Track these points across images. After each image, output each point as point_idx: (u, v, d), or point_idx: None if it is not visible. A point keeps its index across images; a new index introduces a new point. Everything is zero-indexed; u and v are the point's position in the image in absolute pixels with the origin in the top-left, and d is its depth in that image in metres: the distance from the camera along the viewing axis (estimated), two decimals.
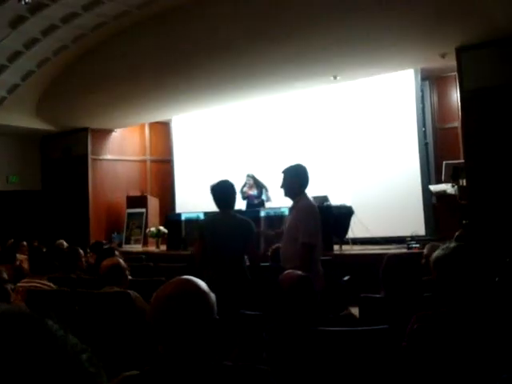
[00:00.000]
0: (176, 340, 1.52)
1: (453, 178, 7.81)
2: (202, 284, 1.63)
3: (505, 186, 6.53)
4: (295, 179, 4.33)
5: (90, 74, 8.15)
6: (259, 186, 9.78)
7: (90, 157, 11.62)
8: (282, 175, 4.35)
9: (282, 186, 4.32)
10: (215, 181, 4.42)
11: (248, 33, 6.66)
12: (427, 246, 4.38)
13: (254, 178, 9.83)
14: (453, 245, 2.15)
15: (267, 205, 9.61)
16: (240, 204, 9.18)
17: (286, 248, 4.19)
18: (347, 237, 8.32)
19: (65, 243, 7.30)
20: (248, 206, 9.78)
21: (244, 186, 9.80)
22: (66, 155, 11.72)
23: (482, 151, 6.82)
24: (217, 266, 4.10)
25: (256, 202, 9.70)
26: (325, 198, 8.59)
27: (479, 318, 2.04)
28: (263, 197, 9.71)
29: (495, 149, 6.68)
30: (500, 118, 6.64)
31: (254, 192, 9.80)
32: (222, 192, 4.29)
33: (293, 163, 4.53)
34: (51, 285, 4.23)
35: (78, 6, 6.82)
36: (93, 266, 5.23)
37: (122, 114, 10.70)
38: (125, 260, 4.26)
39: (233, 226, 4.17)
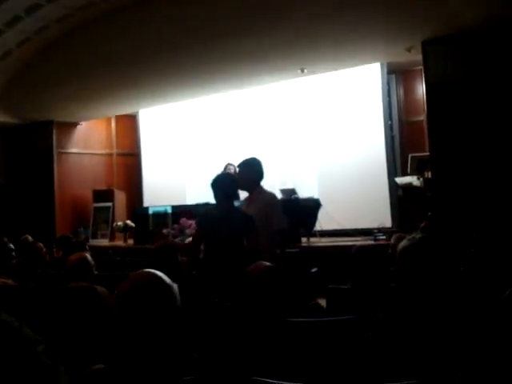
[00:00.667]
0: (142, 332, 1.52)
1: (418, 171, 7.93)
2: (164, 276, 1.64)
3: (469, 178, 6.65)
4: (252, 172, 4.45)
5: (55, 67, 8.01)
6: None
7: (55, 150, 11.43)
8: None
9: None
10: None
11: (214, 27, 6.63)
12: (394, 237, 4.45)
13: (235, 168, 9.33)
14: (418, 235, 2.19)
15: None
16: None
17: None
18: (315, 229, 8.38)
19: (30, 238, 7.19)
20: None
21: None
22: (31, 148, 11.51)
23: (447, 144, 6.93)
24: (216, 260, 4.09)
25: None
26: (292, 191, 8.63)
27: (443, 308, 2.08)
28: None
29: (460, 142, 6.79)
30: (465, 111, 6.74)
31: None
32: (227, 183, 4.30)
33: (252, 156, 4.61)
34: (5, 280, 4.08)
35: None
36: (59, 261, 5.16)
37: (88, 107, 10.55)
38: (92, 255, 4.22)
39: (235, 220, 4.17)
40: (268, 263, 2.93)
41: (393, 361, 2.10)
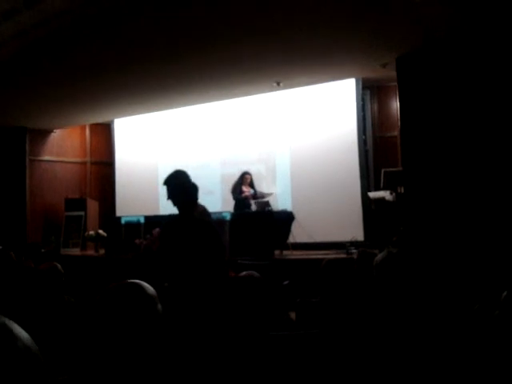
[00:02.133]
0: (121, 340, 1.51)
1: (391, 186, 8.02)
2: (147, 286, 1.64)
3: (441, 193, 6.73)
4: (180, 186, 4.16)
5: (29, 73, 7.91)
6: (253, 185, 9.03)
7: (27, 157, 11.32)
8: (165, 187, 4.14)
9: (168, 198, 4.12)
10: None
11: (189, 38, 6.62)
12: (357, 252, 4.42)
13: (251, 177, 9.01)
14: (394, 249, 2.23)
15: None
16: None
17: None
18: (288, 241, 8.40)
19: None
20: (241, 207, 8.87)
21: (240, 183, 8.94)
22: (2, 154, 11.33)
23: (419, 160, 7.01)
24: (182, 282, 3.86)
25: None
26: (266, 203, 8.65)
27: (415, 318, 2.10)
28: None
29: (432, 158, 6.88)
30: (438, 128, 6.83)
31: (251, 191, 8.94)
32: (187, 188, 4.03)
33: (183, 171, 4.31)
34: None
35: (19, 2, 6.63)
36: (30, 270, 5.09)
37: (61, 114, 10.46)
38: (62, 264, 4.17)
39: (195, 229, 3.94)
40: (257, 274, 2.91)
41: (368, 370, 2.11)
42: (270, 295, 2.75)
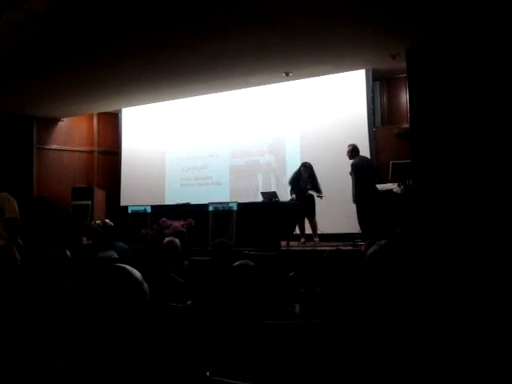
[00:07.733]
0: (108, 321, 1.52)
1: (399, 178, 7.95)
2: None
3: (449, 186, 6.65)
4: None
5: (37, 61, 7.90)
6: (312, 177, 8.64)
7: (35, 146, 11.32)
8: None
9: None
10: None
11: (200, 27, 6.57)
12: (365, 244, 4.42)
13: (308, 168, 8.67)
14: (384, 241, 2.18)
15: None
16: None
17: None
18: (296, 233, 8.37)
19: None
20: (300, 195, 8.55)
21: (296, 178, 8.72)
22: (9, 143, 11.33)
23: (429, 152, 6.93)
24: None
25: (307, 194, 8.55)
26: (273, 194, 8.60)
27: (408, 311, 2.05)
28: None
29: (441, 151, 6.79)
30: (448, 120, 6.73)
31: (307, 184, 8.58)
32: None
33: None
34: None
35: None
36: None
37: (70, 103, 10.45)
38: None
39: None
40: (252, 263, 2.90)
41: (363, 363, 2.07)
42: (266, 283, 2.72)
